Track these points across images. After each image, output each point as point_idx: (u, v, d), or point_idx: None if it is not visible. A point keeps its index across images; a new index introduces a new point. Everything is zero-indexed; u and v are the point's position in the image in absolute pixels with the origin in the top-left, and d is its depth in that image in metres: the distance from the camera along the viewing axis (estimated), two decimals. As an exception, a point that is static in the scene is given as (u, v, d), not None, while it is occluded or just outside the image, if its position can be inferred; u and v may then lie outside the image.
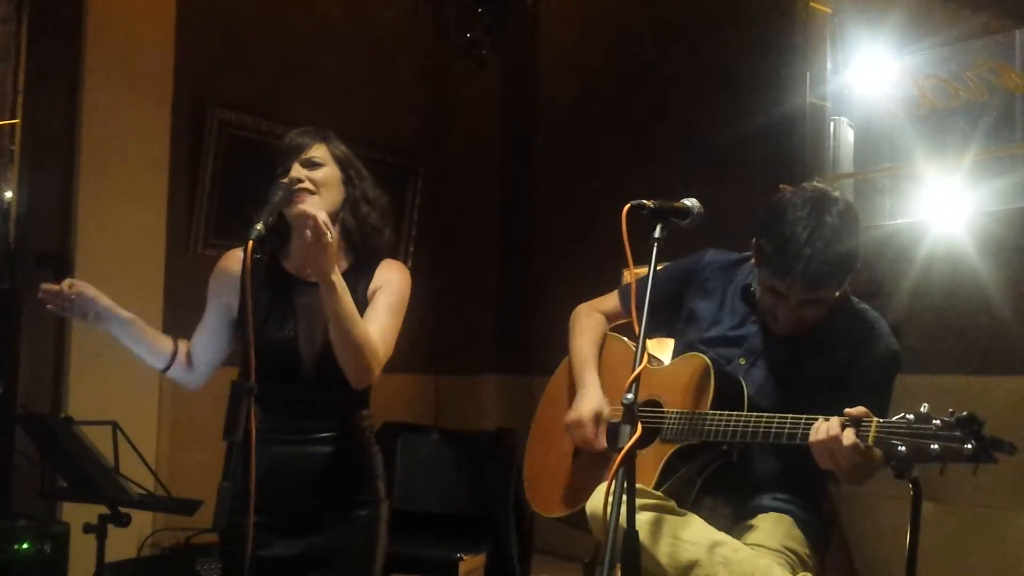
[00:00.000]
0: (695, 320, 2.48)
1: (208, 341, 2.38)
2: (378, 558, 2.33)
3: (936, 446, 1.84)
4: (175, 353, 2.36)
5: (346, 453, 2.29)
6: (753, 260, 2.33)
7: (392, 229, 2.42)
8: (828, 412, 2.10)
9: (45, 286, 2.30)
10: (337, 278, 2.11)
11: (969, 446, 1.82)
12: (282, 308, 2.27)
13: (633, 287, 1.97)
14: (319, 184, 2.26)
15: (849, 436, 1.96)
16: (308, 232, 2.05)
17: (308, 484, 2.25)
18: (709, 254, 2.56)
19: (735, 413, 2.18)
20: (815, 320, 2.28)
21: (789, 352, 2.30)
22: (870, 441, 1.93)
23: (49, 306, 2.30)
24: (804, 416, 2.07)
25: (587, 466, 2.50)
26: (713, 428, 2.20)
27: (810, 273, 2.16)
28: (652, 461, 2.22)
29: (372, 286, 2.32)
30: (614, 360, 2.60)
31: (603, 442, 2.40)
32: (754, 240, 2.29)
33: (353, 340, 2.14)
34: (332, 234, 2.06)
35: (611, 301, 2.72)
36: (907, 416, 1.90)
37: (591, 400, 2.46)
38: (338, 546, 2.26)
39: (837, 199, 2.24)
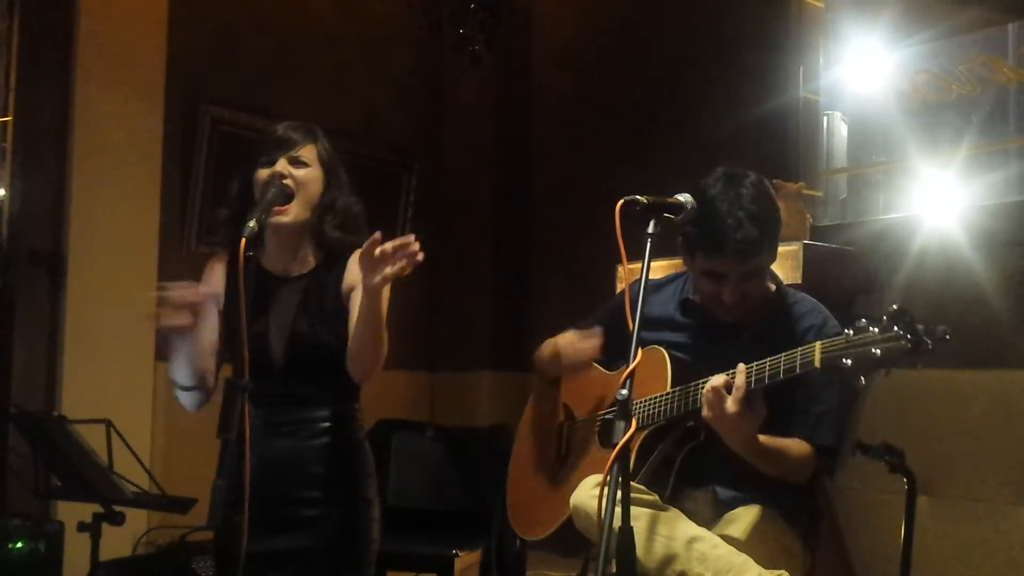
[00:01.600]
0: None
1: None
2: (367, 556, 2.32)
3: (877, 350, 1.88)
4: (205, 383, 2.31)
5: (332, 448, 2.28)
6: (682, 258, 2.37)
7: (365, 235, 2.41)
8: (782, 404, 2.20)
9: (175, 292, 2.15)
10: (386, 293, 2.11)
11: (905, 341, 1.85)
12: (257, 304, 2.28)
13: (627, 297, 2.03)
14: (300, 184, 2.28)
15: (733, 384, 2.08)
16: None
17: (292, 479, 2.25)
18: (633, 287, 2.57)
19: (689, 386, 2.22)
20: (757, 296, 2.32)
21: (733, 355, 2.29)
22: (816, 363, 1.98)
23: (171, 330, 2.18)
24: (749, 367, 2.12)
25: (566, 480, 2.52)
26: (670, 405, 2.25)
27: (740, 242, 2.21)
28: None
29: (347, 281, 2.32)
30: (578, 376, 2.65)
31: (589, 343, 2.51)
32: (679, 238, 2.35)
33: (381, 344, 2.16)
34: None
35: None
36: (847, 331, 1.94)
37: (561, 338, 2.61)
38: (324, 543, 2.26)
39: (747, 173, 2.32)
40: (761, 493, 2.32)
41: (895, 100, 4.12)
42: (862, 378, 1.92)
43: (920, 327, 1.86)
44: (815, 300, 2.40)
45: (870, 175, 4.33)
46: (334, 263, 2.36)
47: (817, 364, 1.98)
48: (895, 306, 1.88)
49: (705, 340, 2.39)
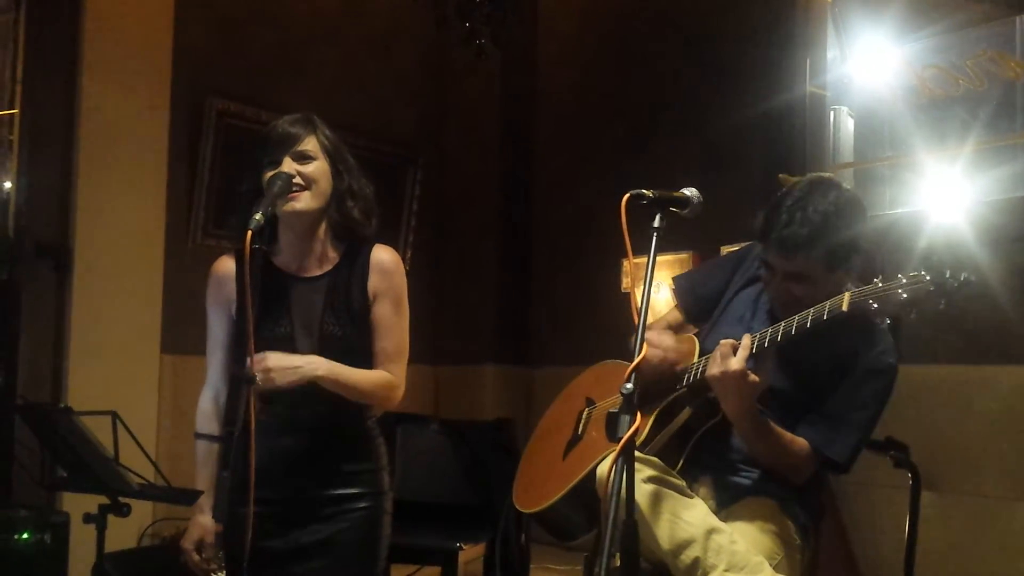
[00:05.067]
0: (725, 308, 2.51)
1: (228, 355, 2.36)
2: (380, 549, 2.33)
3: (904, 293, 2.00)
4: None
5: (347, 443, 2.29)
6: None
7: (378, 218, 2.41)
8: (811, 409, 2.24)
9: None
10: (322, 373, 2.19)
11: (930, 281, 1.98)
12: (277, 304, 2.27)
13: (640, 295, 2.03)
14: (309, 179, 2.26)
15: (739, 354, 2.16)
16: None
17: (309, 474, 2.26)
18: (757, 248, 2.57)
19: (710, 355, 2.23)
20: (805, 299, 2.27)
21: (789, 347, 2.30)
22: (844, 307, 2.08)
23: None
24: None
25: (577, 453, 2.53)
26: (692, 373, 2.30)
27: (783, 237, 2.23)
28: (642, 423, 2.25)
29: (371, 287, 2.32)
30: (605, 378, 2.66)
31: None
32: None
33: (366, 399, 2.27)
34: (291, 375, 2.15)
35: (672, 314, 2.72)
36: (875, 280, 2.06)
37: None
38: (340, 537, 2.27)
39: (838, 187, 2.29)
40: (766, 486, 2.33)
41: (902, 95, 4.11)
42: (887, 318, 2.06)
43: (946, 271, 1.98)
44: (889, 336, 2.37)
45: (876, 170, 4.32)
46: (355, 257, 2.35)
47: (845, 308, 2.07)
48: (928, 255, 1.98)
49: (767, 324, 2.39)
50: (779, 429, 2.25)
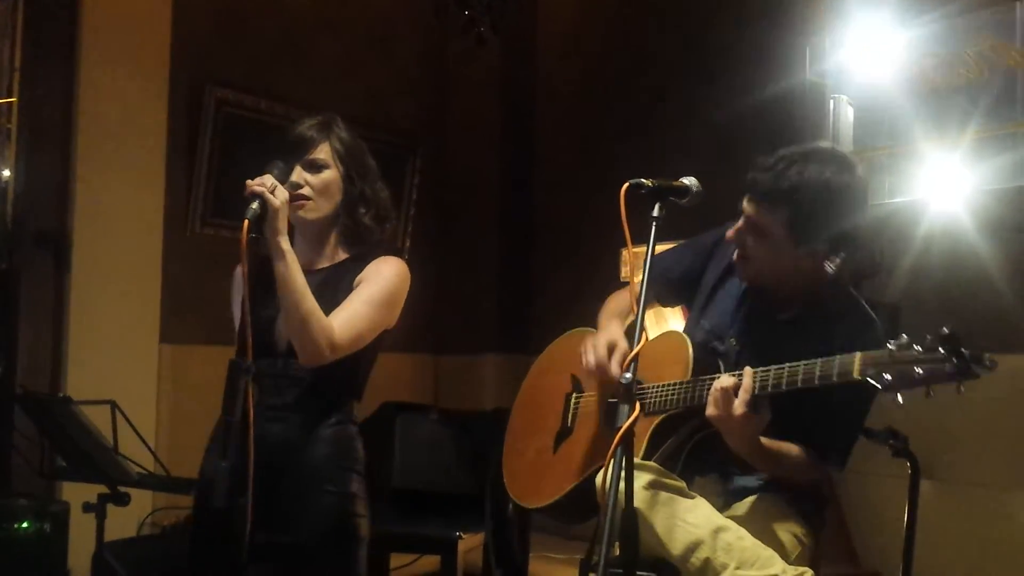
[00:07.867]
0: (711, 296, 2.46)
1: None
2: (351, 555, 2.27)
3: (920, 369, 1.83)
4: None
5: (319, 437, 2.25)
6: None
7: (393, 223, 2.39)
8: (803, 403, 2.13)
9: None
10: (286, 246, 2.11)
11: (950, 364, 1.81)
12: (270, 291, 2.27)
13: (645, 267, 1.98)
14: (318, 190, 2.26)
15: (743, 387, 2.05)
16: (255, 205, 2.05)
17: (277, 465, 2.20)
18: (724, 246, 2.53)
19: (704, 379, 2.19)
20: (757, 259, 2.24)
21: (774, 335, 2.27)
22: (856, 374, 1.92)
23: None
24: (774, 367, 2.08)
25: (570, 452, 2.51)
26: (682, 395, 2.23)
27: (755, 179, 2.20)
28: (639, 434, 2.22)
29: (359, 277, 2.30)
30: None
31: (614, 368, 2.31)
32: None
33: (297, 312, 2.12)
34: (277, 200, 2.07)
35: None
36: (889, 346, 1.88)
37: (606, 333, 2.42)
38: (307, 540, 2.21)
39: (841, 164, 2.20)
40: (771, 483, 2.31)
41: (902, 84, 4.10)
42: (899, 396, 1.87)
43: (966, 352, 1.82)
44: (871, 312, 2.31)
45: (876, 159, 4.31)
46: (360, 260, 2.33)
47: (856, 375, 1.92)
48: (946, 329, 1.82)
49: (750, 315, 2.35)
50: (783, 448, 2.20)
